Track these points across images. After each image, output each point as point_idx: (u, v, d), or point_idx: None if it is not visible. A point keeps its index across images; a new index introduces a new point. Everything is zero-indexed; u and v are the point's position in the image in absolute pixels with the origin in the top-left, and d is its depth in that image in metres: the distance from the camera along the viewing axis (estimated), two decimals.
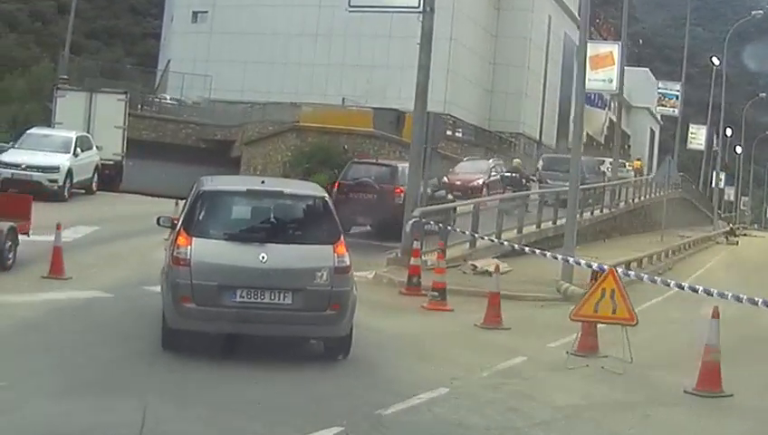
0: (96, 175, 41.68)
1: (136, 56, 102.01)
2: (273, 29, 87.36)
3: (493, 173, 48.49)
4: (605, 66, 59.08)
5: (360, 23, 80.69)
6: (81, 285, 20.67)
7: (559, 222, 36.81)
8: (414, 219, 27.98)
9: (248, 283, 14.54)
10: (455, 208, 33.58)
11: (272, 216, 15.40)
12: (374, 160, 41.77)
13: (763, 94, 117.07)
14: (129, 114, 48.01)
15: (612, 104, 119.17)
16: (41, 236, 22.58)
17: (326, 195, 16.09)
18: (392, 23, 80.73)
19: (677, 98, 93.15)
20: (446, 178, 40.07)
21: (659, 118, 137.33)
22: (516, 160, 49.95)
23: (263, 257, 14.56)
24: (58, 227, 21.63)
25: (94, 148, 41.68)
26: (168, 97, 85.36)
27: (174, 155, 72.44)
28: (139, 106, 76.36)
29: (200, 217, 15.14)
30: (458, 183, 43.65)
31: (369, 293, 21.50)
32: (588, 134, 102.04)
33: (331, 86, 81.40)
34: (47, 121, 46.36)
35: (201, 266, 14.51)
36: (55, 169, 37.39)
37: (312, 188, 16.79)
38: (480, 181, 46.19)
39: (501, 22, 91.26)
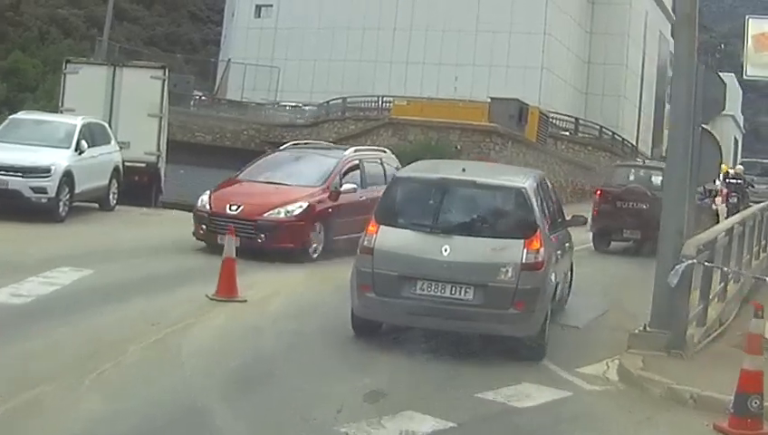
0: (116, 182, 27.05)
1: (196, 64, 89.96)
2: (346, 23, 73.79)
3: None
4: None
5: (446, 16, 70.02)
6: None
7: None
8: (687, 263, 13.98)
9: (429, 275, 13.32)
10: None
11: (460, 206, 14.16)
12: (641, 163, 35.18)
13: None
14: (169, 98, 33.03)
15: None
16: None
17: (526, 186, 14.13)
18: (479, 15, 68.76)
19: None
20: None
21: (742, 127, 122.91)
22: (739, 166, 43.62)
23: (445, 249, 13.32)
24: None
25: (113, 142, 27.16)
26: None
27: (234, 161, 58.78)
28: (192, 103, 65.51)
29: (390, 205, 14.35)
30: None
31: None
32: None
33: (413, 85, 66.29)
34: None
35: (383, 255, 13.55)
36: (44, 171, 22.90)
37: (513, 178, 14.88)
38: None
39: (596, 17, 75.72)
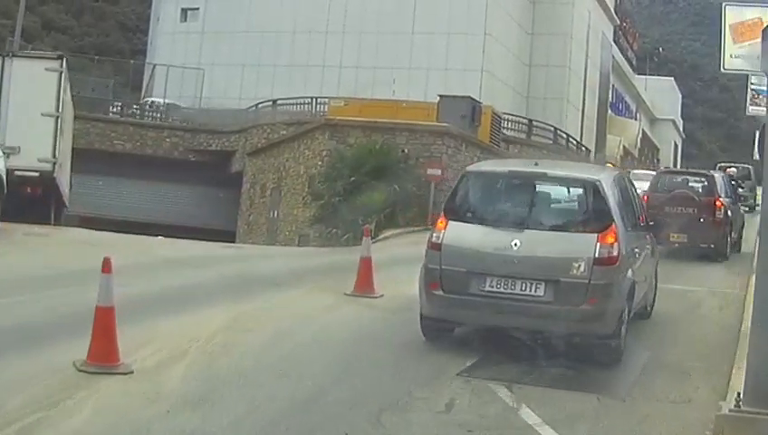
0: None
1: (125, 74, 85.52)
2: (276, 26, 68.95)
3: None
4: (753, 38, 38.82)
5: (380, 18, 65.77)
6: None
7: None
8: None
9: (498, 271, 12.75)
10: None
11: (531, 200, 13.45)
12: (684, 169, 36.49)
13: None
14: (72, 97, 28.05)
15: (639, 115, 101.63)
16: None
17: (600, 178, 13.49)
18: (416, 16, 64.33)
19: None
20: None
21: (681, 132, 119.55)
22: (732, 169, 43.56)
23: (515, 244, 12.73)
24: None
25: None
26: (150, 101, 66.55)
27: (157, 171, 55.43)
28: (112, 109, 60.57)
29: (459, 200, 13.78)
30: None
31: None
32: (624, 146, 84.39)
33: (346, 90, 60.63)
34: None
35: (451, 251, 13.05)
36: None
37: (586, 172, 14.51)
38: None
39: (538, 17, 70.85)
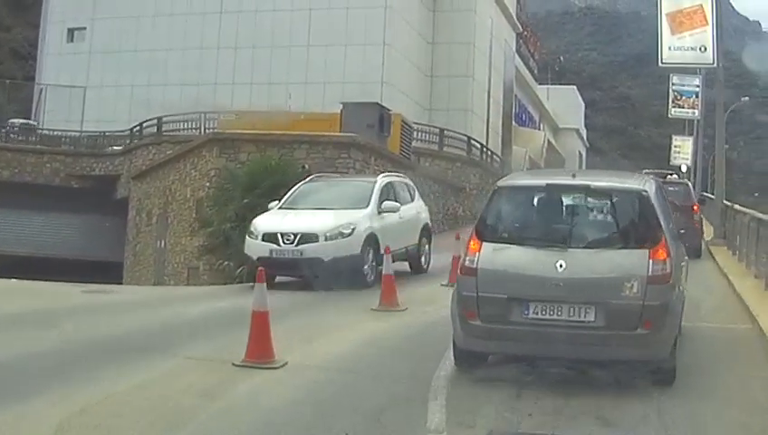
0: None
1: (19, 102, 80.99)
2: (166, 44, 64.89)
3: None
4: (693, 28, 35.35)
5: (274, 33, 62.53)
6: None
7: None
8: None
9: (542, 295, 11.58)
10: None
11: (574, 215, 12.33)
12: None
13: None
14: None
15: (543, 125, 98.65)
16: None
17: (647, 189, 12.34)
18: (311, 28, 60.40)
19: (697, 95, 67.74)
20: None
21: (585, 141, 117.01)
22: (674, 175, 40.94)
23: (560, 265, 11.55)
24: None
25: None
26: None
27: (38, 200, 51.36)
28: None
29: (493, 219, 12.51)
30: None
31: None
32: (530, 157, 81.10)
33: (239, 107, 56.37)
34: None
35: (488, 276, 11.82)
36: None
37: (630, 181, 12.95)
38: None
39: (439, 26, 67.11)
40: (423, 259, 24.68)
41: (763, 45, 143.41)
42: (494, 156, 65.32)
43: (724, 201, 35.42)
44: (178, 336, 15.08)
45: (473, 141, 57.18)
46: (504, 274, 11.80)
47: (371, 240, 21.77)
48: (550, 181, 12.96)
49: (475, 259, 11.97)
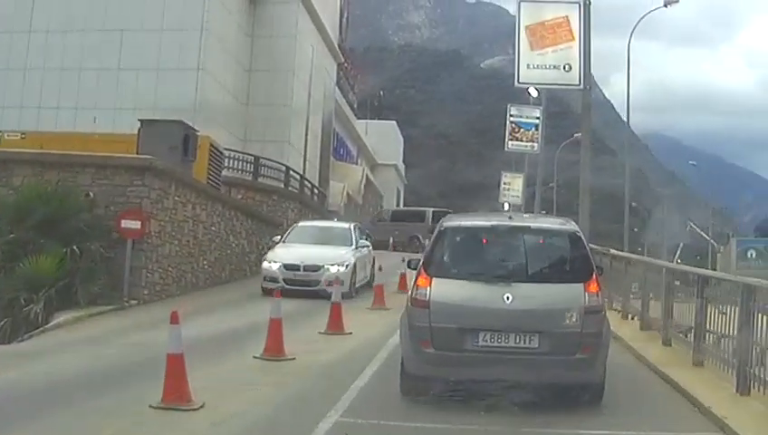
0: None
1: None
2: None
3: None
4: (557, 43, 31.06)
5: (82, 53, 56.30)
6: None
7: None
8: None
9: (492, 325, 13.04)
10: None
11: (517, 253, 13.82)
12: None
13: None
14: None
15: (361, 160, 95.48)
16: None
17: (578, 229, 14.28)
18: (122, 51, 55.54)
19: (537, 127, 63.58)
20: None
21: (404, 177, 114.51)
22: None
23: (507, 298, 13.06)
24: None
25: None
26: None
27: None
28: None
29: (441, 256, 13.87)
30: None
31: None
32: (348, 193, 77.84)
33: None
34: None
35: (441, 308, 13.18)
36: None
37: (563, 223, 15.01)
38: None
39: (257, 52, 62.85)
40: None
41: None
42: (315, 188, 61.40)
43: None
44: None
45: (291, 172, 53.21)
46: (455, 306, 13.04)
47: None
48: (494, 223, 14.45)
49: (427, 292, 13.15)
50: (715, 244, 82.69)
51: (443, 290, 13.12)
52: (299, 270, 30.35)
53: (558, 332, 12.87)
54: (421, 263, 13.74)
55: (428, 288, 13.16)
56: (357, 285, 31.73)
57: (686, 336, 18.93)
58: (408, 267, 15.29)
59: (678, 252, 33.82)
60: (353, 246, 32.68)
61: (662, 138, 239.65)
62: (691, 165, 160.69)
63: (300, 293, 28.46)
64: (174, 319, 12.66)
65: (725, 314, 16.35)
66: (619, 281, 27.00)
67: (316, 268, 30.30)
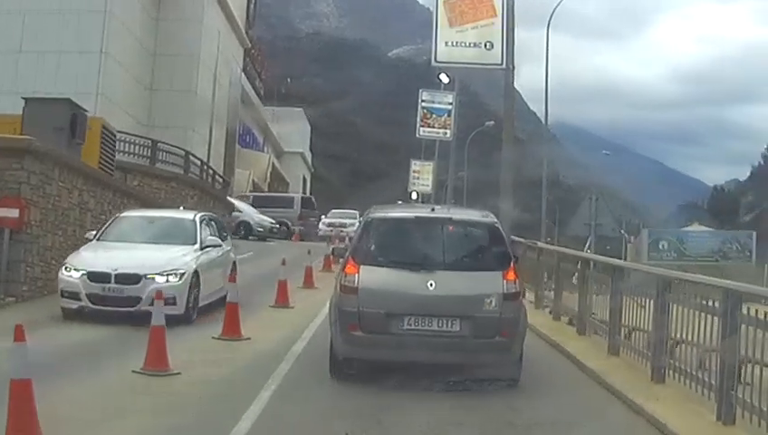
0: None
1: None
2: None
3: None
4: (478, 19, 29.33)
5: None
6: None
7: None
8: None
9: (416, 310, 13.72)
10: None
11: (440, 243, 14.47)
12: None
13: None
14: None
15: (268, 147, 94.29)
16: None
17: (497, 221, 15.16)
18: (23, 34, 53.67)
19: (450, 114, 61.67)
20: None
21: (310, 165, 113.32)
22: None
23: (431, 284, 13.75)
24: None
25: None
26: None
27: None
28: None
29: (368, 245, 14.48)
30: None
31: None
32: (254, 181, 76.70)
33: None
34: None
35: (368, 294, 13.81)
36: None
37: (482, 215, 15.44)
38: None
39: (162, 35, 60.91)
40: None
41: None
42: (217, 176, 59.87)
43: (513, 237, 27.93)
44: None
45: (192, 158, 51.63)
46: (382, 292, 13.71)
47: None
48: (418, 214, 15.42)
49: (356, 279, 13.78)
50: (626, 235, 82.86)
51: (370, 277, 13.74)
52: (109, 282, 20.67)
53: (478, 316, 13.55)
54: (349, 251, 14.55)
55: (357, 275, 13.76)
56: (202, 304, 22.14)
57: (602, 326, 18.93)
58: (332, 254, 15.44)
59: (588, 242, 33.67)
60: (196, 246, 22.92)
61: (570, 127, 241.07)
62: (605, 154, 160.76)
63: (112, 316, 20.16)
64: (19, 335, 9.71)
65: (644, 307, 16.36)
66: (534, 271, 26.32)
67: (135, 279, 20.68)
